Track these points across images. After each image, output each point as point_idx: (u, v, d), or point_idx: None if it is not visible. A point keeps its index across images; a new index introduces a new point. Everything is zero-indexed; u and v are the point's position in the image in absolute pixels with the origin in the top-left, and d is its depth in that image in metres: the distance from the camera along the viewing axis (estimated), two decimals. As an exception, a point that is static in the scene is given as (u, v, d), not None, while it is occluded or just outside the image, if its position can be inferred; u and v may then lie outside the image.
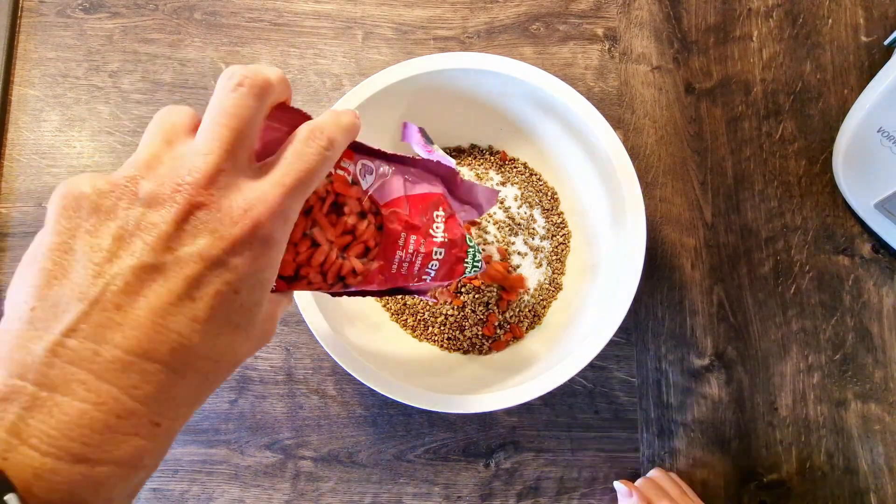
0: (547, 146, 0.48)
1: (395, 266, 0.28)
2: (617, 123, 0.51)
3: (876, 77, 0.48)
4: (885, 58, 0.50)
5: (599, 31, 0.53)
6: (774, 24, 0.52)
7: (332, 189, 0.24)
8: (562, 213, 0.49)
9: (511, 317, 0.46)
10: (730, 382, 0.48)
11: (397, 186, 0.28)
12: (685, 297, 0.49)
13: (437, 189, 0.30)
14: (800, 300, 0.49)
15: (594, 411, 0.48)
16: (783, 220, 0.50)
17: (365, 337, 0.44)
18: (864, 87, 0.49)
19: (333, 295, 0.28)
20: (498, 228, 0.45)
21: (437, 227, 0.29)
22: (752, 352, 0.48)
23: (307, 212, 0.24)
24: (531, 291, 0.46)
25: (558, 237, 0.48)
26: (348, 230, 0.25)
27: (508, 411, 0.48)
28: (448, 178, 0.31)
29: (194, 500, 0.47)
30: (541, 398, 0.41)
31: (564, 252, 0.48)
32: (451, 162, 0.31)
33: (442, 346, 0.46)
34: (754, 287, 0.49)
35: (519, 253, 0.46)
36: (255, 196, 0.20)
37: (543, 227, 0.47)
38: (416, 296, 0.32)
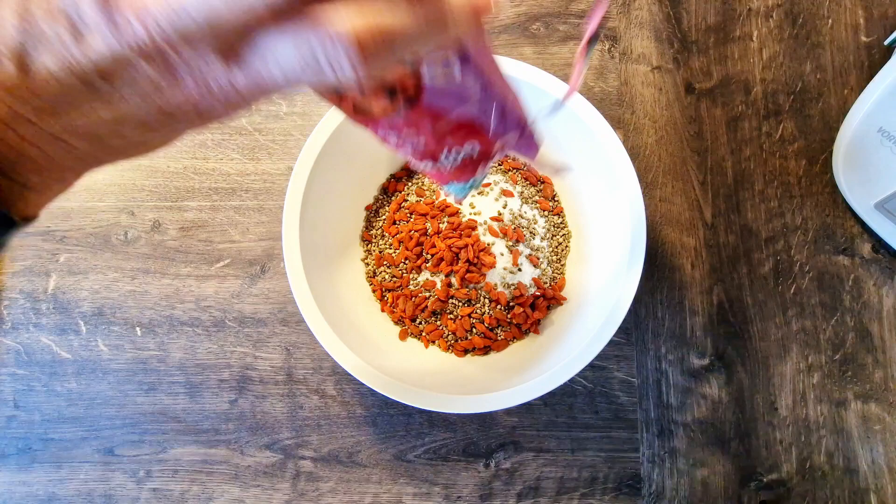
0: (547, 146, 0.48)
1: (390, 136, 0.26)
2: (617, 123, 0.51)
3: (876, 77, 0.48)
4: (885, 58, 0.50)
5: (599, 31, 0.53)
6: (774, 24, 0.52)
7: None
8: (562, 213, 0.49)
9: (512, 317, 0.46)
10: (730, 382, 0.48)
11: (459, 98, 0.24)
12: (685, 297, 0.49)
13: (499, 132, 0.27)
14: (800, 300, 0.49)
15: (594, 411, 0.48)
16: (783, 220, 0.50)
17: (365, 337, 0.44)
18: (864, 87, 0.49)
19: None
20: (500, 228, 0.46)
21: (454, 154, 0.27)
22: (752, 352, 0.48)
23: None
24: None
25: (558, 237, 0.48)
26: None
27: (508, 411, 0.48)
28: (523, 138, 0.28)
29: (194, 500, 0.47)
30: (541, 398, 0.41)
31: (564, 252, 0.48)
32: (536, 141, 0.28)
33: (442, 346, 0.46)
34: (754, 287, 0.49)
35: (519, 253, 0.46)
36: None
37: (543, 227, 0.47)
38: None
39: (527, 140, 0.27)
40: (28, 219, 0.19)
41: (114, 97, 0.17)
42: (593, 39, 0.28)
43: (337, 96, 0.23)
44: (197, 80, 0.17)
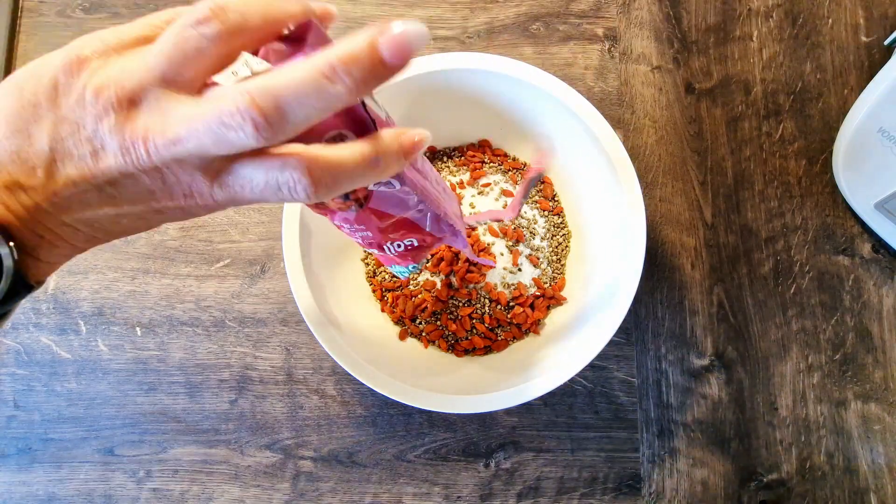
0: (547, 146, 0.48)
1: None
2: (617, 123, 0.51)
3: (876, 77, 0.48)
4: (885, 58, 0.50)
5: (599, 31, 0.53)
6: (774, 24, 0.52)
7: None
8: (562, 213, 0.49)
9: (512, 317, 0.46)
10: (730, 382, 0.48)
11: (400, 205, 0.29)
12: (685, 297, 0.49)
13: (434, 233, 0.32)
14: (800, 300, 0.49)
15: (594, 411, 0.48)
16: (783, 220, 0.50)
17: (365, 337, 0.44)
18: (864, 87, 0.49)
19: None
20: (500, 228, 0.46)
21: (395, 246, 0.32)
22: (752, 352, 0.48)
23: None
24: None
25: (558, 237, 0.48)
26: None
27: (508, 411, 0.48)
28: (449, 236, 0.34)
29: (194, 500, 0.47)
30: (541, 398, 0.41)
31: (564, 252, 0.48)
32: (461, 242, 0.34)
33: (442, 346, 0.46)
34: (754, 287, 0.49)
35: (519, 253, 0.46)
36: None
37: (543, 227, 0.47)
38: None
39: (459, 240, 0.33)
40: (39, 283, 0.24)
41: (116, 199, 0.22)
42: (534, 181, 0.37)
43: None
44: (184, 191, 0.22)
